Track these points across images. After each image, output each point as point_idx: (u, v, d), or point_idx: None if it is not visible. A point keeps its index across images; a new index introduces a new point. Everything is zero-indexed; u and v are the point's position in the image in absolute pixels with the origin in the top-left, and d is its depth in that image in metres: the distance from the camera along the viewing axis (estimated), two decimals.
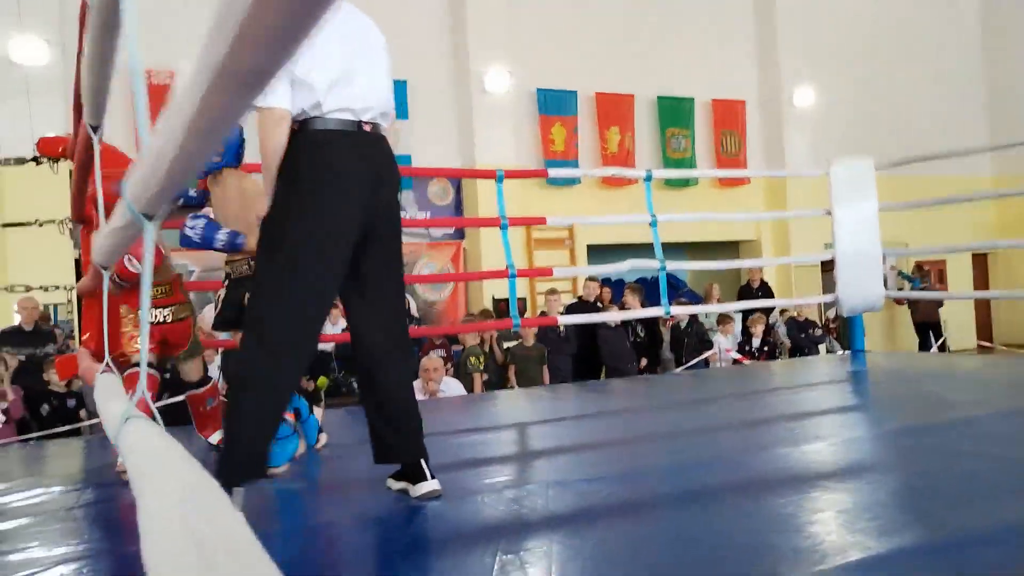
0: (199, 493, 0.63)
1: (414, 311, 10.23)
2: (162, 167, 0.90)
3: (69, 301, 7.84)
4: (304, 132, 2.18)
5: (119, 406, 1.23)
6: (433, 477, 2.33)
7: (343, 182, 2.17)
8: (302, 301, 2.15)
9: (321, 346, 9.16)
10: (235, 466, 2.11)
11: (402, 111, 10.76)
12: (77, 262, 7.31)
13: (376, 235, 2.27)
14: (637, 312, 7.44)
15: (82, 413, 6.01)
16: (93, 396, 5.46)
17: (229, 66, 0.58)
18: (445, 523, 2.14)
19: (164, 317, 3.13)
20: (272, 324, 2.14)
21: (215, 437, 3.26)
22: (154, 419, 1.13)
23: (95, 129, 1.95)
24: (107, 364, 1.87)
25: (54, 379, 5.93)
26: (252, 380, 2.14)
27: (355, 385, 8.74)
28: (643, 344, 8.67)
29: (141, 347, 1.22)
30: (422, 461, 2.36)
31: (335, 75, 2.20)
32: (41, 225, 4.05)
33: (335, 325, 9.31)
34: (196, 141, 0.76)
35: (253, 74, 0.59)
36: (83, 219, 3.67)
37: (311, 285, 2.16)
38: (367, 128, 2.25)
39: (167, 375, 6.17)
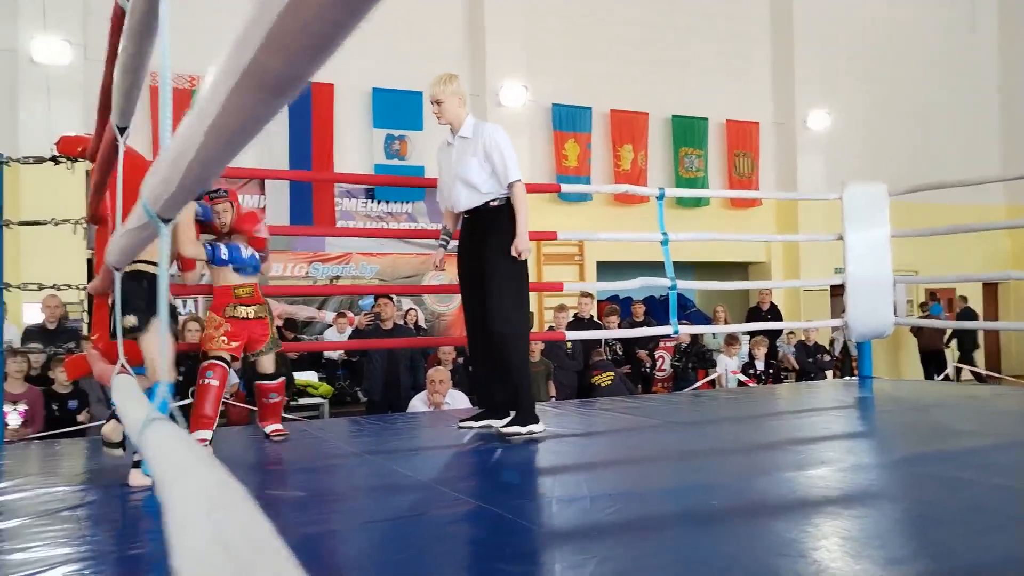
0: (227, 499, 0.64)
1: (422, 322, 10.25)
2: (180, 170, 0.90)
3: (81, 301, 7.88)
4: None
5: (141, 409, 1.23)
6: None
7: None
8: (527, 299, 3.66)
9: (328, 354, 9.18)
10: (532, 404, 3.53)
11: (417, 122, 10.83)
12: (89, 262, 7.35)
13: None
14: (640, 331, 7.42)
15: (82, 416, 6.02)
16: (96, 397, 5.47)
17: (256, 70, 0.58)
18: (447, 535, 2.13)
19: (247, 315, 3.58)
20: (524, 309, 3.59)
21: (270, 428, 3.74)
22: (175, 416, 1.14)
23: (122, 131, 1.98)
24: (122, 365, 1.87)
25: (60, 379, 5.95)
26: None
27: (360, 395, 8.75)
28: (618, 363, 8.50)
29: (162, 351, 1.23)
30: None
31: None
32: (56, 224, 4.07)
33: (342, 334, 9.33)
34: (218, 145, 0.76)
35: (281, 79, 0.59)
36: (98, 219, 3.69)
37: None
38: None
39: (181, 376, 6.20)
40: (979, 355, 13.22)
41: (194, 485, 0.70)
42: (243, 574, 0.50)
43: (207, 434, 3.37)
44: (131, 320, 2.89)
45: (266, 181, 10.25)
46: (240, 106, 0.65)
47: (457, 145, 3.67)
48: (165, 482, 0.77)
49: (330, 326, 10.00)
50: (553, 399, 7.10)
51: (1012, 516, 2.13)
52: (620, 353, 8.74)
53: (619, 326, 8.59)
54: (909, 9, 14.87)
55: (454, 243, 3.91)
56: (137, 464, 2.84)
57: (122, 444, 3.04)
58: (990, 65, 16.08)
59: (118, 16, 1.75)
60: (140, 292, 2.95)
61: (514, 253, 3.46)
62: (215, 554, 0.54)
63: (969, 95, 15.54)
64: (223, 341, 3.53)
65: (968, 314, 13.20)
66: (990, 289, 15.84)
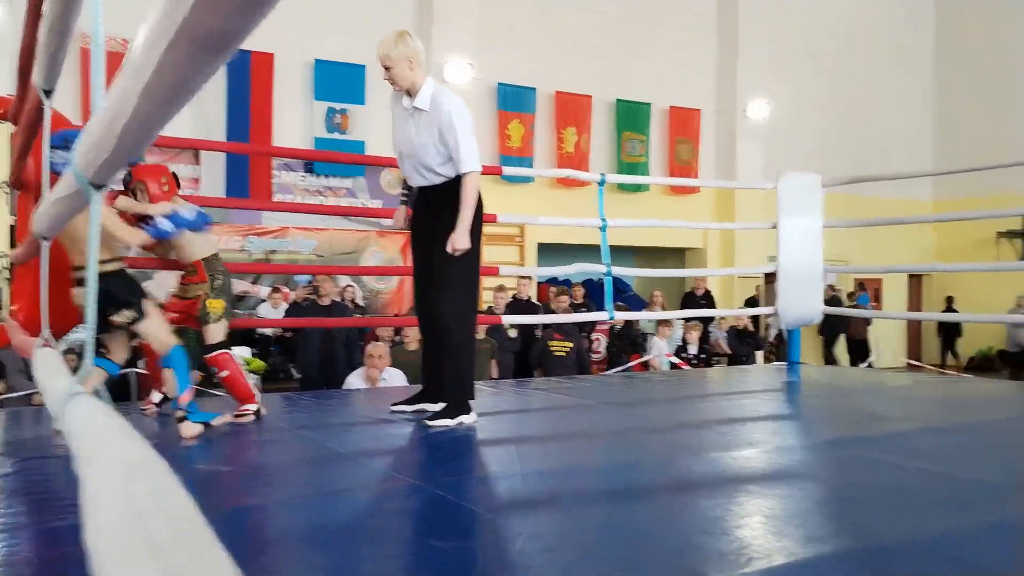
0: (144, 470, 0.62)
1: (359, 299, 10.16)
2: (114, 133, 0.86)
3: (4, 268, 7.59)
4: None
5: (63, 383, 1.19)
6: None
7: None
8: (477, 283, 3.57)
9: (261, 330, 9.03)
10: (467, 394, 3.35)
11: (359, 96, 10.67)
12: (12, 228, 7.07)
13: None
14: (577, 316, 7.48)
15: (0, 386, 5.82)
16: (17, 368, 5.30)
17: (190, 27, 0.56)
18: (377, 511, 2.13)
19: (184, 294, 3.54)
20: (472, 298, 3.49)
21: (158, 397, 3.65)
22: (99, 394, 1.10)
23: (48, 94, 1.90)
24: (45, 338, 1.81)
25: None
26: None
27: (293, 371, 8.64)
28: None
29: (88, 317, 1.19)
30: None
31: None
32: None
33: (276, 309, 9.19)
34: (153, 106, 0.73)
35: (216, 36, 0.57)
36: (21, 184, 3.56)
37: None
38: None
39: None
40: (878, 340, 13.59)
41: (111, 457, 0.68)
42: (157, 544, 0.49)
43: (252, 406, 3.46)
44: (130, 314, 3.03)
45: (201, 152, 9.99)
46: (175, 65, 0.63)
47: (414, 117, 3.37)
48: (83, 455, 0.75)
49: (264, 300, 9.83)
50: (495, 378, 7.13)
51: (930, 498, 2.21)
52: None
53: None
54: (850, 3, 15.19)
55: None
56: (183, 418, 3.00)
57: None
58: (925, 62, 16.54)
59: None
60: (123, 287, 3.08)
61: (448, 248, 3.22)
62: (129, 525, 0.52)
63: (905, 92, 15.99)
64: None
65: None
66: (915, 281, 16.38)
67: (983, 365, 14.79)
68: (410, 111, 3.38)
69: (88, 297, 1.20)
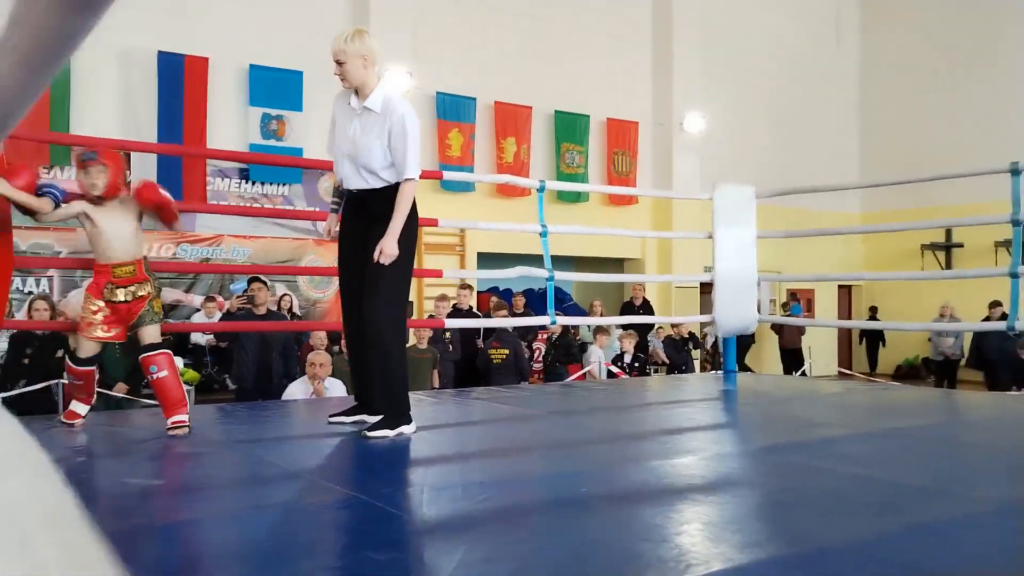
0: (23, 465, 0.58)
1: (296, 308, 10.00)
2: None
3: None
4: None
5: None
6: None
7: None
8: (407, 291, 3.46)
9: (195, 339, 8.81)
10: (404, 404, 3.27)
11: (296, 103, 10.53)
12: None
13: None
14: (519, 320, 7.50)
15: None
16: None
17: None
18: (314, 524, 2.08)
19: (126, 297, 3.36)
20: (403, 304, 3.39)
21: (171, 418, 3.33)
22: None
23: None
24: None
25: None
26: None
27: (228, 382, 8.45)
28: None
29: None
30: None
31: None
32: None
33: (211, 318, 8.98)
34: (20, 71, 0.66)
35: None
36: None
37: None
38: None
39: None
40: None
41: None
42: (27, 537, 0.46)
43: (184, 416, 3.32)
44: None
45: (132, 155, 9.72)
46: (39, 25, 0.57)
47: (361, 117, 3.29)
48: None
49: (198, 310, 9.61)
50: (437, 388, 7.09)
51: (863, 502, 2.26)
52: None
53: None
54: (782, 21, 15.61)
55: None
56: None
57: None
58: (852, 79, 17.09)
59: None
60: None
61: (376, 254, 3.16)
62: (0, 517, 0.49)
63: (833, 106, 16.49)
64: (102, 329, 3.35)
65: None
66: (844, 291, 16.86)
67: (910, 373, 15.29)
68: (358, 111, 3.30)
69: None
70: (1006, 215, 4.75)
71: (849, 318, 16.53)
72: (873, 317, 15.44)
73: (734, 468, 2.83)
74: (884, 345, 15.95)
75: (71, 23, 0.57)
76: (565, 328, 9.23)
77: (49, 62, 0.65)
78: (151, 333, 3.39)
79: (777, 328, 13.31)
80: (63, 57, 0.63)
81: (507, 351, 7.79)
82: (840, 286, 16.62)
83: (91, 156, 3.33)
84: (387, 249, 3.17)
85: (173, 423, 3.29)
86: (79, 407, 3.49)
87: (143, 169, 9.80)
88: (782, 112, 15.52)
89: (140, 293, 3.38)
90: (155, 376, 3.36)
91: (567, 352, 9.44)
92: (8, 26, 0.60)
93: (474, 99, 12.12)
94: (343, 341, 6.63)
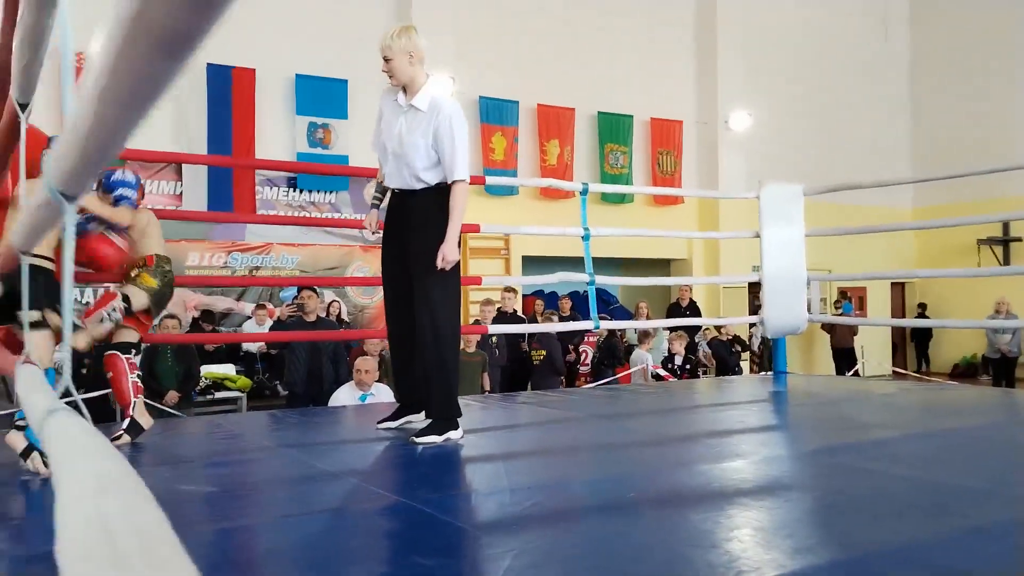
0: (117, 486, 0.61)
1: (344, 315, 10.12)
2: (79, 140, 0.84)
3: None
4: None
5: (43, 399, 1.17)
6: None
7: None
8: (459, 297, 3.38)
9: (246, 347, 8.97)
10: (453, 410, 3.25)
11: (342, 111, 10.66)
12: None
13: None
14: (562, 324, 7.49)
15: None
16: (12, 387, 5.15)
17: (144, 27, 0.54)
18: (363, 530, 2.11)
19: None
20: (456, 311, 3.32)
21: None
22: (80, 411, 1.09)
23: (24, 107, 1.88)
24: (26, 355, 1.78)
25: None
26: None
27: (279, 388, 8.58)
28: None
29: (64, 339, 1.17)
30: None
31: None
32: None
33: (261, 326, 9.14)
34: (114, 111, 0.71)
35: (171, 37, 0.55)
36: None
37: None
38: None
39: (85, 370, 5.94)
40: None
41: (84, 471, 0.67)
42: (125, 561, 0.48)
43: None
44: (35, 315, 2.80)
45: (184, 167, 9.95)
46: (132, 68, 0.61)
47: (407, 115, 3.23)
48: (58, 471, 0.74)
49: (249, 318, 9.78)
50: (487, 392, 7.13)
51: (916, 505, 2.22)
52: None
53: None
54: (826, 16, 15.35)
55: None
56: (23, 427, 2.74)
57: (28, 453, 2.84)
58: (901, 72, 16.73)
59: None
60: (37, 288, 2.82)
61: (439, 262, 3.12)
62: (98, 541, 0.51)
63: (881, 100, 16.15)
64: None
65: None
66: (897, 288, 16.50)
67: (967, 371, 14.90)
68: (404, 108, 3.26)
69: (64, 311, 1.18)
70: None
71: (903, 316, 16.17)
72: (922, 315, 15.08)
73: (784, 471, 2.79)
74: (932, 343, 15.58)
75: (167, 69, 0.60)
76: (611, 331, 9.20)
77: (145, 105, 0.68)
78: (125, 333, 3.34)
79: (828, 328, 13.07)
80: (158, 98, 0.66)
81: (544, 351, 7.87)
82: (893, 283, 16.27)
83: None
84: (448, 255, 3.14)
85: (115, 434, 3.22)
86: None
87: (195, 180, 10.02)
88: (829, 107, 15.26)
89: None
90: (110, 377, 3.34)
91: (613, 355, 9.40)
92: (106, 74, 0.64)
93: (517, 102, 12.14)
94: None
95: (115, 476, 0.65)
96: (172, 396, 6.65)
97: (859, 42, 15.85)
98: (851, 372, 12.24)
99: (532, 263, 11.88)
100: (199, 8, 0.51)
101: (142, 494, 0.60)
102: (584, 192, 5.44)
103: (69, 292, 1.18)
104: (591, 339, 9.52)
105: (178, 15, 0.52)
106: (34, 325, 2.81)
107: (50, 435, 0.96)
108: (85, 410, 1.17)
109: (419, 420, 3.43)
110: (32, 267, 2.81)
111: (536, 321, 9.36)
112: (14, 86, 1.82)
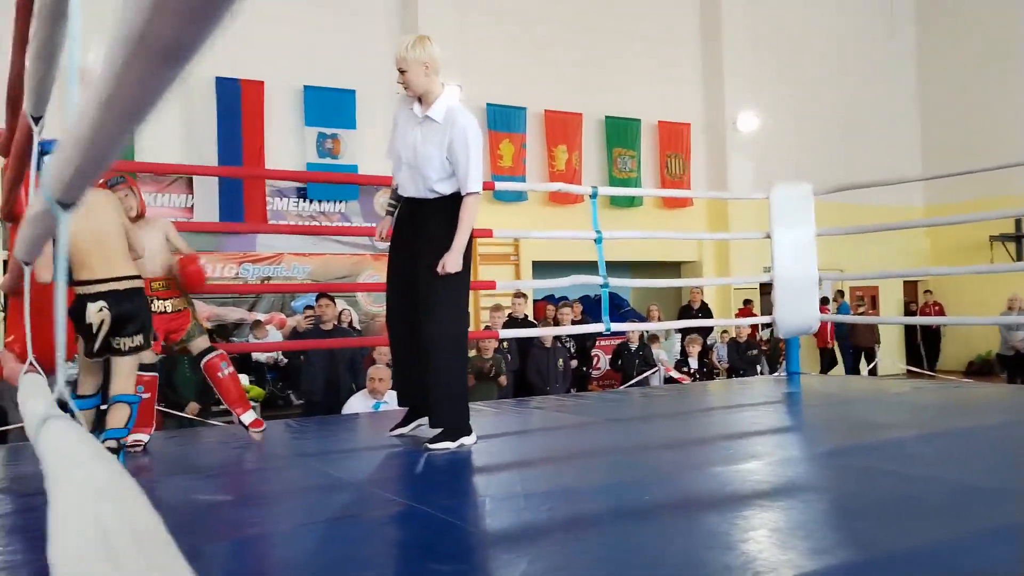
0: (113, 491, 0.61)
1: (356, 323, 10.13)
2: (78, 149, 0.85)
3: None
4: None
5: (40, 406, 1.18)
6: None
7: None
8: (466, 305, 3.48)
9: (256, 356, 9.00)
10: (464, 415, 3.25)
11: (350, 121, 10.70)
12: (6, 263, 7.05)
13: None
14: (574, 328, 7.48)
15: None
16: (13, 401, 5.24)
17: (144, 38, 0.55)
18: (378, 536, 2.11)
19: (165, 308, 3.47)
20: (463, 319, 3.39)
21: (247, 418, 3.58)
22: (75, 418, 1.10)
23: (37, 121, 1.90)
24: (31, 364, 1.80)
25: None
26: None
27: (292, 398, 8.60)
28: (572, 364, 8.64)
29: (58, 344, 1.18)
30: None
31: None
32: None
33: (270, 335, 9.16)
34: (112, 120, 0.71)
35: (171, 46, 0.56)
36: (14, 217, 3.55)
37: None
38: None
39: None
40: None
41: (81, 478, 0.68)
42: (120, 562, 0.48)
43: (145, 436, 3.44)
44: (138, 340, 2.89)
45: (194, 179, 10.00)
46: (131, 78, 0.62)
47: (423, 125, 3.24)
48: (55, 477, 0.74)
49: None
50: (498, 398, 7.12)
51: (930, 504, 2.20)
52: (572, 351, 8.82)
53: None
54: (832, 16, 15.32)
55: None
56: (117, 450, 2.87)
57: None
58: (908, 70, 16.66)
59: (25, 1, 1.68)
60: (143, 307, 2.95)
61: (439, 268, 3.14)
62: (92, 543, 0.52)
63: (889, 99, 16.09)
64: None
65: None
66: (910, 287, 16.40)
67: (983, 369, 14.79)
68: (420, 119, 3.27)
69: (57, 320, 1.19)
70: None
71: (916, 314, 16.07)
72: (925, 307, 14.97)
73: (800, 472, 2.78)
74: (944, 341, 15.47)
75: (168, 77, 0.61)
76: (640, 338, 9.18)
77: (143, 113, 0.69)
78: (203, 342, 3.58)
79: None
80: (155, 107, 0.67)
81: (550, 339, 7.92)
82: (906, 282, 16.18)
83: (119, 180, 3.43)
84: (450, 265, 3.16)
85: (251, 424, 3.52)
86: (141, 436, 3.48)
87: (205, 192, 10.07)
88: (837, 107, 15.21)
89: (180, 307, 3.54)
90: (224, 373, 3.54)
91: (626, 359, 9.38)
92: (106, 83, 0.65)
93: (524, 109, 12.16)
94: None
95: (111, 481, 0.65)
96: (192, 407, 6.70)
97: (866, 40, 15.80)
98: (869, 368, 12.17)
99: (542, 268, 11.88)
100: (198, 20, 0.52)
101: (137, 499, 0.61)
102: (594, 195, 5.44)
103: (62, 301, 1.19)
104: (603, 343, 9.51)
105: (178, 27, 0.53)
106: (134, 349, 2.90)
107: (45, 442, 0.97)
108: (81, 417, 1.18)
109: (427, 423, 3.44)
110: (132, 290, 2.87)
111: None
112: (27, 100, 1.84)
